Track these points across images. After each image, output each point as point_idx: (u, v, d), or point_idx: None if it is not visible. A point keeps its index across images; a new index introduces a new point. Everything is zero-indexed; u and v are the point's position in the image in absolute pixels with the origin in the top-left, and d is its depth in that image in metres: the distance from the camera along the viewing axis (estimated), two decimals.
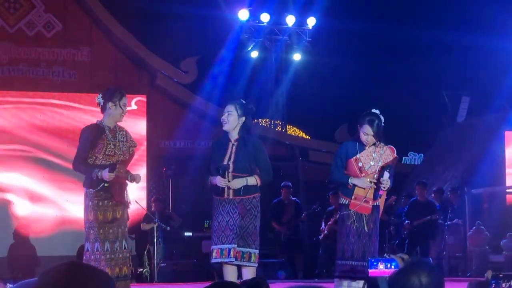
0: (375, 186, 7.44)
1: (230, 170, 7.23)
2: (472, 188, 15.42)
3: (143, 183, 14.02)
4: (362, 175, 7.43)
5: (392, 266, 4.48)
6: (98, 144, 7.01)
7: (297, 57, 19.37)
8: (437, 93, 20.65)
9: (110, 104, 7.10)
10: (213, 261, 7.28)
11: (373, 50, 21.25)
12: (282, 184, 14.60)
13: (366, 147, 7.51)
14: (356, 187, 7.43)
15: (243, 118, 7.34)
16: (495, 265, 13.52)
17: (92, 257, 7.00)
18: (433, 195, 15.19)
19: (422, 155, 20.12)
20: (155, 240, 13.61)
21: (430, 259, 13.13)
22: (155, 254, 13.54)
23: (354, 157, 7.48)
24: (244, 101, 7.56)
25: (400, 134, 20.07)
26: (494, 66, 19.29)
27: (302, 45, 19.20)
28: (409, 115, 20.08)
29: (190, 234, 14.78)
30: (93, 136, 7.06)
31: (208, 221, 14.41)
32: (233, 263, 7.21)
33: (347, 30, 19.45)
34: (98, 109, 7.31)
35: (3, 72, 16.29)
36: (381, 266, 4.56)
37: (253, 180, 7.27)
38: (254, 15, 18.83)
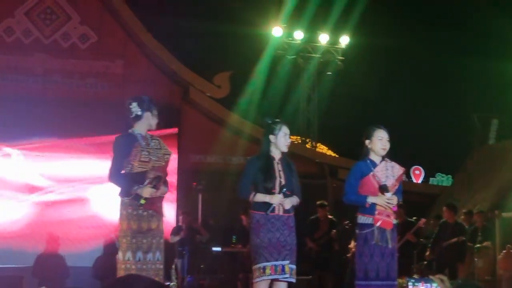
0: (394, 204, 7.35)
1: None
2: (503, 211, 15.31)
3: (170, 194, 14.06)
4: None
5: (433, 287, 4.45)
6: (132, 152, 6.96)
7: (329, 75, 19.41)
8: (467, 116, 20.59)
9: (148, 113, 7.11)
10: (265, 278, 7.11)
11: (405, 70, 21.25)
12: (317, 203, 14.55)
13: (377, 163, 7.43)
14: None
15: None
16: None
17: (123, 266, 6.92)
18: (462, 217, 15.07)
19: (450, 176, 20.02)
20: (184, 253, 13.60)
21: (459, 281, 13.00)
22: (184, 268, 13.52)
23: (372, 173, 7.35)
24: None
25: (429, 155, 20.07)
26: None
27: (334, 63, 19.25)
28: (438, 136, 20.03)
29: (219, 249, 14.71)
30: (125, 145, 7.02)
31: (235, 236, 14.33)
32: (287, 279, 7.21)
33: (379, 49, 19.49)
34: None
35: (37, 83, 16.41)
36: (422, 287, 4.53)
37: (297, 200, 7.38)
38: (288, 33, 18.92)
